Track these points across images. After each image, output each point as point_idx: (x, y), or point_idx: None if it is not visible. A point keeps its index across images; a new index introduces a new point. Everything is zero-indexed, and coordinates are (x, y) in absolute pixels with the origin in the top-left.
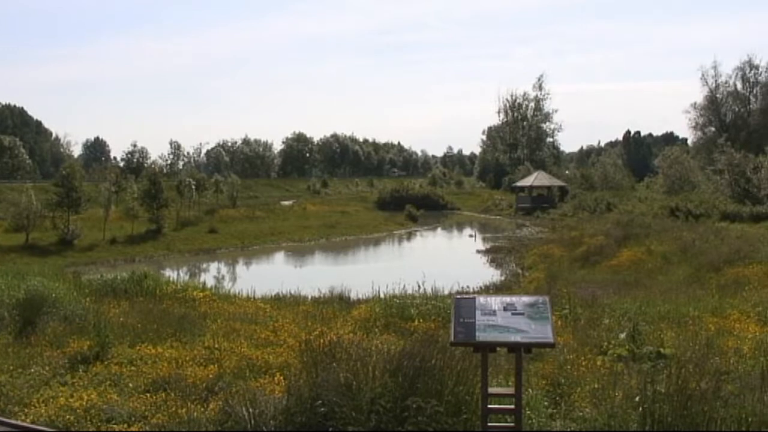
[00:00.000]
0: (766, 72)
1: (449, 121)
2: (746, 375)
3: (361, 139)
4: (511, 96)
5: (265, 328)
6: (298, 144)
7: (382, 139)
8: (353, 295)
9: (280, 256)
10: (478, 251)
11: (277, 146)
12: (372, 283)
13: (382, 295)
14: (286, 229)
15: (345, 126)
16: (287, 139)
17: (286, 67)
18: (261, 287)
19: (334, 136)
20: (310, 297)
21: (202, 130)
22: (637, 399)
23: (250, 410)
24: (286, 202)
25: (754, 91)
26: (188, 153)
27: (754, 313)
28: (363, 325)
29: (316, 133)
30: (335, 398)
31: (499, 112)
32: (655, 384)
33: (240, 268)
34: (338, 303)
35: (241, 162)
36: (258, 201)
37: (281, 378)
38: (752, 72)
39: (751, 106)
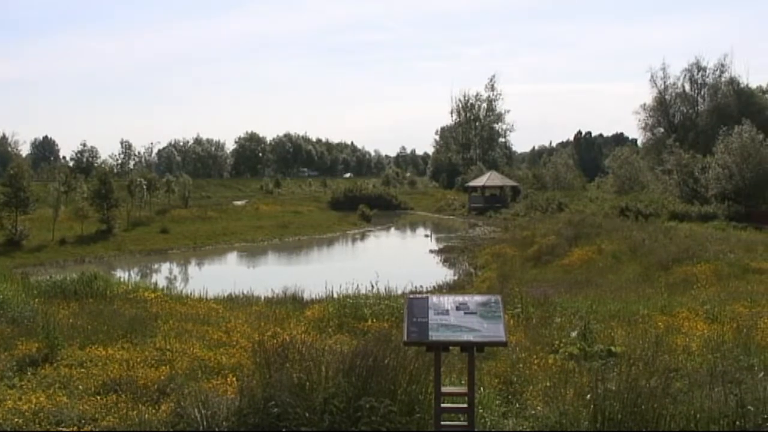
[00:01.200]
0: (713, 74)
1: (402, 121)
2: (695, 372)
3: (314, 139)
4: (464, 96)
5: (217, 328)
6: (250, 144)
7: (335, 139)
8: (306, 296)
9: (232, 257)
10: (432, 251)
11: (230, 146)
12: (325, 283)
13: (335, 295)
14: (238, 229)
15: (298, 125)
16: (240, 138)
17: (238, 66)
18: (213, 288)
19: (287, 136)
20: (263, 297)
21: (154, 129)
22: (588, 397)
23: (203, 411)
24: (239, 202)
25: (702, 93)
26: (139, 153)
27: (702, 311)
28: (316, 325)
29: (269, 132)
30: (288, 399)
31: (452, 113)
32: (605, 382)
33: (192, 268)
34: (291, 303)
35: (193, 162)
36: (210, 201)
37: (234, 379)
38: (700, 74)
39: (698, 107)
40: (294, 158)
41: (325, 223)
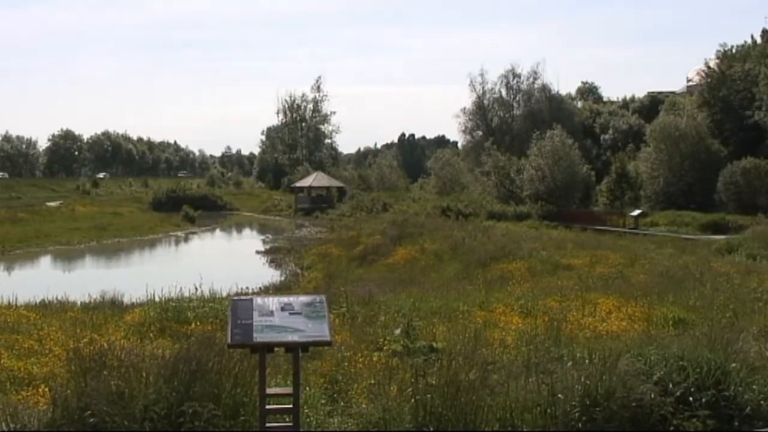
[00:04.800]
0: (527, 80)
1: (227, 120)
2: (510, 364)
3: (135, 138)
4: (290, 97)
5: (28, 337)
6: (65, 142)
7: (157, 138)
8: (126, 300)
9: (46, 260)
10: (258, 252)
11: (43, 144)
12: (146, 287)
13: (157, 299)
14: (52, 231)
15: (118, 124)
16: (53, 136)
17: (50, 61)
18: (24, 294)
19: (106, 134)
20: (79, 303)
21: None
22: (410, 392)
23: (11, 425)
24: (53, 203)
25: (517, 98)
26: None
27: (517, 306)
28: (137, 330)
29: (86, 130)
30: (106, 407)
31: (278, 113)
32: (426, 377)
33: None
34: (110, 308)
35: (2, 160)
36: (21, 202)
37: (46, 389)
38: (515, 80)
39: (514, 111)
40: (113, 157)
41: (146, 225)
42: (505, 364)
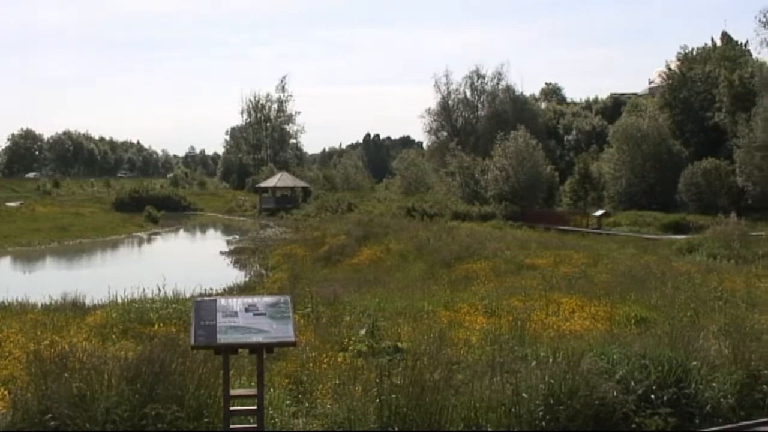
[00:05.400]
0: (491, 81)
1: (191, 120)
2: (475, 364)
3: (97, 137)
4: (254, 97)
5: None
6: (25, 141)
7: (120, 138)
8: (88, 301)
9: (5, 262)
10: (222, 252)
11: (1, 143)
12: (109, 288)
13: (119, 300)
14: (12, 232)
15: (79, 123)
16: (13, 135)
17: (8, 59)
18: None
19: (67, 134)
20: (40, 304)
21: None
22: (375, 392)
23: None
24: (12, 204)
25: (481, 99)
26: None
27: (481, 305)
28: (99, 332)
29: (47, 130)
30: (67, 410)
31: (242, 113)
32: (391, 377)
33: None
34: (72, 310)
35: None
36: None
37: (6, 392)
38: (479, 81)
39: (479, 112)
40: (75, 157)
41: (108, 225)
42: (470, 364)
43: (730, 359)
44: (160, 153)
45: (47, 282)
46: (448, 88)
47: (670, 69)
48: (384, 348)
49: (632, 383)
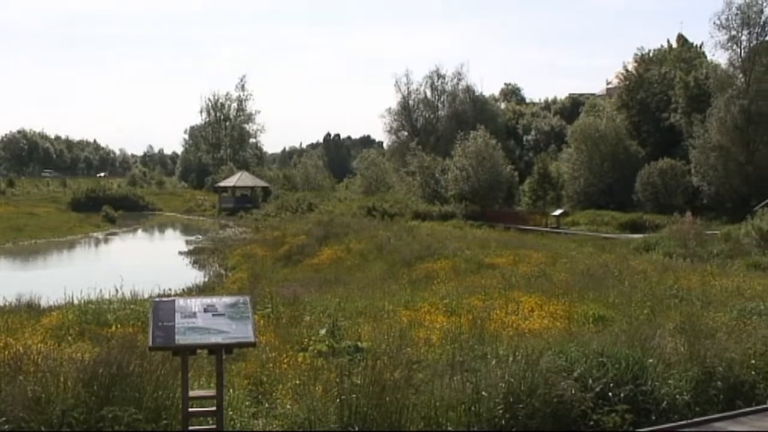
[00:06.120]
0: (451, 81)
1: (150, 119)
2: (435, 363)
3: (53, 136)
4: (214, 95)
5: None
6: None
7: (77, 137)
8: (44, 303)
9: None
10: (181, 253)
11: None
12: (65, 289)
13: (76, 301)
14: None
15: (34, 122)
16: None
17: None
18: None
19: (21, 132)
20: None
21: None
22: (335, 392)
23: None
24: None
25: (442, 99)
26: None
27: (441, 304)
28: (55, 333)
29: (0, 128)
30: (22, 414)
31: (201, 112)
32: (352, 377)
33: None
34: (26, 311)
35: None
36: None
37: None
38: (440, 81)
39: (439, 112)
40: (29, 156)
41: (65, 226)
42: (430, 363)
43: (686, 356)
44: (117, 152)
45: (1, 283)
46: (408, 88)
47: (627, 70)
48: (344, 348)
49: (590, 381)
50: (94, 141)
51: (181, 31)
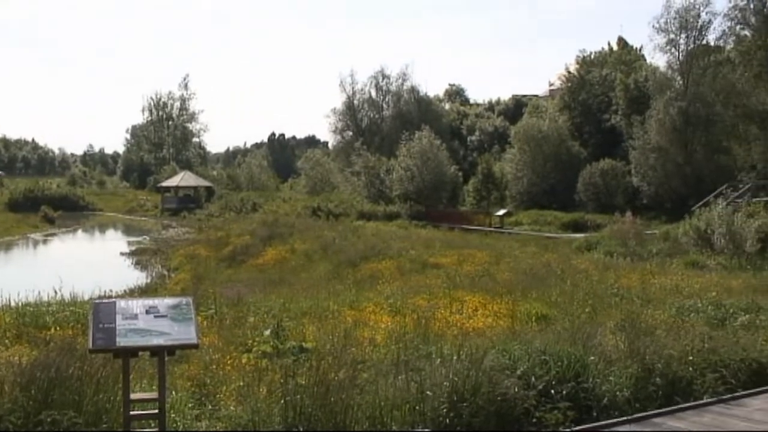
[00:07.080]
0: (396, 82)
1: (90, 118)
2: (380, 362)
3: None
4: (156, 94)
5: None
6: None
7: (14, 135)
8: None
9: None
10: (122, 253)
11: None
12: (1, 291)
13: (13, 304)
14: None
15: None
16: None
17: None
18: None
19: None
20: None
21: None
22: (279, 393)
23: None
24: None
25: (387, 99)
26: None
27: (386, 304)
28: None
29: None
30: None
31: (143, 111)
32: (296, 377)
33: None
34: None
35: None
36: None
37: None
38: (384, 81)
39: (384, 112)
40: None
41: (1, 227)
42: (375, 363)
43: (626, 354)
44: (56, 151)
45: None
46: (353, 88)
47: (569, 72)
48: (289, 348)
49: (533, 379)
50: (33, 140)
51: (124, 30)
